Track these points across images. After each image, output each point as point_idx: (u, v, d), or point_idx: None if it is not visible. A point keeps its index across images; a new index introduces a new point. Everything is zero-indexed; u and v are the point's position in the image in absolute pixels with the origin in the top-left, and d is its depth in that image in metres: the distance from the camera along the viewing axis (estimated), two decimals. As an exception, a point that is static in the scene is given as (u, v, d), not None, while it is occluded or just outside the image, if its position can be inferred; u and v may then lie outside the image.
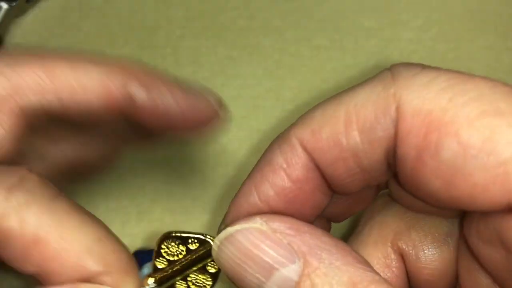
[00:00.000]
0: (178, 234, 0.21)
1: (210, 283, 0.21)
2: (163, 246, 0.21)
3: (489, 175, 0.16)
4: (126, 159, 0.36)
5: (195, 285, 0.21)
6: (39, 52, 0.22)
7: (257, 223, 0.18)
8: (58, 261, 0.18)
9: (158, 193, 0.35)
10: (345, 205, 0.23)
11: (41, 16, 0.40)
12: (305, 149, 0.20)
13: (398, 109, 0.17)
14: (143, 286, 0.21)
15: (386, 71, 0.20)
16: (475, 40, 0.39)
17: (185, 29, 0.40)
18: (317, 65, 0.39)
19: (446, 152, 0.16)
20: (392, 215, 0.23)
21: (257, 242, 0.18)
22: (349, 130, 0.18)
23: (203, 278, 0.21)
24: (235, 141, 0.37)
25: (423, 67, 0.19)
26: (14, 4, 0.39)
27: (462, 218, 0.21)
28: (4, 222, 0.18)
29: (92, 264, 0.19)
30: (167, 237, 0.21)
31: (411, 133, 0.17)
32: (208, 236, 0.21)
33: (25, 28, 0.40)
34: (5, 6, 0.39)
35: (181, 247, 0.21)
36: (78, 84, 0.21)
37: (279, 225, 0.18)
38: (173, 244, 0.21)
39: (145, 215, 0.35)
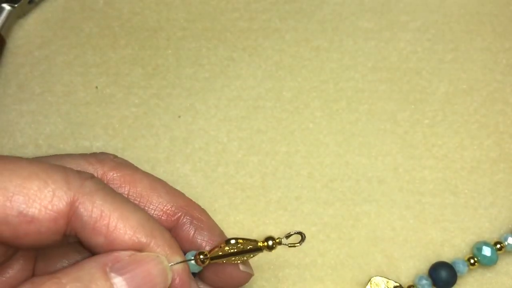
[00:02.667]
0: (242, 238, 0.27)
1: (239, 261, 0.27)
2: (228, 245, 0.26)
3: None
4: (127, 158, 0.36)
5: (231, 261, 0.27)
6: None
7: None
8: (118, 232, 0.24)
9: (159, 193, 0.35)
10: None
11: (43, 17, 0.40)
12: None
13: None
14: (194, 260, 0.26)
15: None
16: (473, 41, 0.40)
17: (186, 30, 0.40)
18: (317, 66, 0.39)
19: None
20: None
21: None
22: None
23: (237, 259, 0.27)
24: (235, 141, 0.37)
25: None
26: (16, 5, 0.39)
27: None
28: (79, 199, 0.23)
29: (144, 236, 0.24)
30: (234, 241, 0.26)
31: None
32: (259, 242, 0.27)
33: (27, 29, 0.40)
34: (7, 7, 0.39)
35: (240, 246, 0.26)
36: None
37: None
38: (235, 244, 0.26)
39: (147, 214, 0.35)
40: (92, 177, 0.25)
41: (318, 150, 0.37)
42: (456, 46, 0.40)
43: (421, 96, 0.38)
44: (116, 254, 0.24)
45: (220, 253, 0.26)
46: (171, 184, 0.36)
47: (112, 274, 0.23)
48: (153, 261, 0.24)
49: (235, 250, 0.26)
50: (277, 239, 0.27)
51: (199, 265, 0.26)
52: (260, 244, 0.27)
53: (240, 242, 0.26)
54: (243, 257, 0.27)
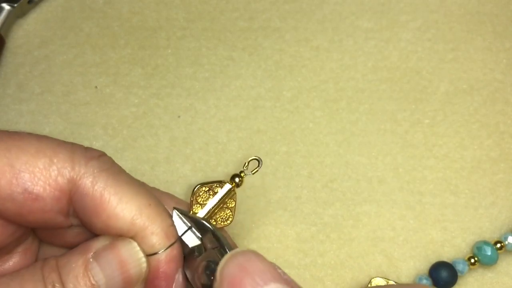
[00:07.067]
0: (205, 182, 0.28)
1: (231, 214, 0.28)
2: (197, 195, 0.28)
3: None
4: (127, 159, 0.36)
5: (222, 220, 0.28)
6: None
7: None
8: (115, 218, 0.24)
9: (159, 193, 0.35)
10: None
11: (43, 17, 0.40)
12: None
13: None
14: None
15: None
16: (473, 41, 0.40)
17: (185, 30, 0.40)
18: (317, 65, 0.39)
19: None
20: None
21: None
22: None
23: (225, 213, 0.28)
24: (235, 141, 0.37)
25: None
26: (16, 5, 0.39)
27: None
28: (82, 180, 0.24)
29: (141, 223, 0.24)
30: (198, 187, 0.28)
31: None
32: (226, 181, 0.28)
33: (27, 29, 0.40)
34: (7, 7, 0.39)
35: (209, 192, 0.28)
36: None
37: None
38: (202, 190, 0.28)
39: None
40: (99, 156, 0.25)
41: (318, 150, 0.37)
42: (457, 45, 0.40)
43: (421, 96, 0.38)
44: (99, 239, 0.24)
45: (195, 208, 0.27)
46: (170, 184, 0.36)
47: (92, 261, 0.23)
48: (125, 247, 0.24)
49: (208, 198, 0.28)
50: (240, 172, 0.29)
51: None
52: (231, 184, 0.28)
53: (205, 184, 0.28)
54: (224, 208, 0.28)
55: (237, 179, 0.29)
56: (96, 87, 0.38)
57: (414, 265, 0.34)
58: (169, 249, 0.25)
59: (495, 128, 0.38)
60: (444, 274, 0.33)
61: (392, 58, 0.39)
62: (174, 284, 0.25)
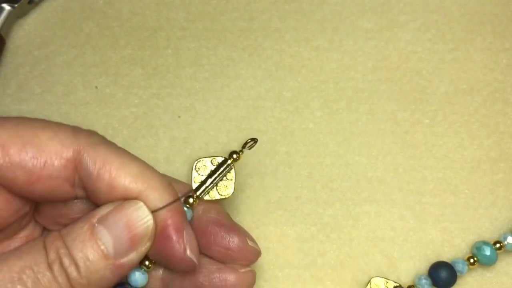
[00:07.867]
0: (205, 157, 0.31)
1: (232, 183, 0.31)
2: (197, 168, 0.31)
3: None
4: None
5: (222, 189, 0.30)
6: None
7: None
8: (119, 178, 0.25)
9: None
10: None
11: (43, 17, 0.40)
12: None
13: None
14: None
15: None
16: (473, 41, 0.40)
17: (185, 30, 0.40)
18: (317, 66, 0.39)
19: None
20: None
21: None
22: None
23: (226, 184, 0.31)
24: (235, 141, 0.37)
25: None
26: (16, 5, 0.39)
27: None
28: (85, 149, 0.26)
29: (142, 182, 0.26)
30: (198, 161, 0.31)
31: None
32: (223, 157, 0.31)
33: (27, 29, 0.40)
34: (7, 7, 0.39)
35: (208, 164, 0.31)
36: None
37: None
38: (202, 164, 0.31)
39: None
40: (97, 134, 0.27)
41: (318, 150, 0.37)
42: (456, 46, 0.40)
43: (421, 96, 0.38)
44: (103, 206, 0.25)
45: (196, 179, 0.30)
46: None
47: (97, 225, 0.25)
48: (132, 207, 0.25)
49: (208, 174, 0.30)
50: (239, 151, 0.31)
51: (188, 203, 0.29)
52: (229, 161, 0.31)
53: (205, 158, 0.31)
54: (224, 181, 0.31)
55: (234, 155, 0.31)
56: (96, 87, 0.38)
57: (414, 265, 0.34)
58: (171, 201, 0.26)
59: (495, 128, 0.38)
60: (443, 274, 0.33)
61: (392, 58, 0.39)
62: (184, 232, 0.26)
